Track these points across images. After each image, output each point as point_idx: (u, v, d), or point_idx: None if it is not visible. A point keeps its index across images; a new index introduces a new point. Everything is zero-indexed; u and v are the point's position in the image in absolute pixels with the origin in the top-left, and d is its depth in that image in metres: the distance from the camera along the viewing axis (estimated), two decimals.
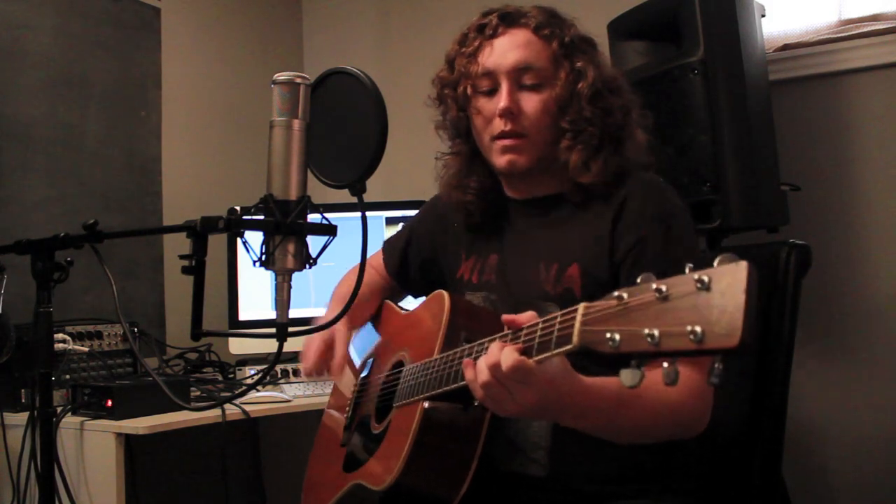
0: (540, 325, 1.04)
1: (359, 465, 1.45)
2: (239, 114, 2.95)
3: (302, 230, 1.09)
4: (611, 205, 1.38)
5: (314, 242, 1.11)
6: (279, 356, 1.10)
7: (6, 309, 1.87)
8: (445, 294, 1.42)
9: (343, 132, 1.18)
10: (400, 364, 1.47)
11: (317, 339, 1.57)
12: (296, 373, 2.31)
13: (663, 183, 1.43)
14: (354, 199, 1.16)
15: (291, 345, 1.18)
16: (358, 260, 1.17)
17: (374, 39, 3.10)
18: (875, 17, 2.15)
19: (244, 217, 1.09)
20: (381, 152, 1.13)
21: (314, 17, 3.26)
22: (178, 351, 2.48)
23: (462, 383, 1.17)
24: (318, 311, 1.71)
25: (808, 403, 2.16)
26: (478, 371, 1.10)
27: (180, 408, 1.65)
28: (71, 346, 2.04)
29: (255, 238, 1.11)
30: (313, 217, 1.12)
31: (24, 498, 1.89)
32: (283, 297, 1.09)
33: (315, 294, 2.37)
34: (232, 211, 1.10)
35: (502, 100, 1.41)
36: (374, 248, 1.79)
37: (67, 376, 2.02)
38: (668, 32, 2.02)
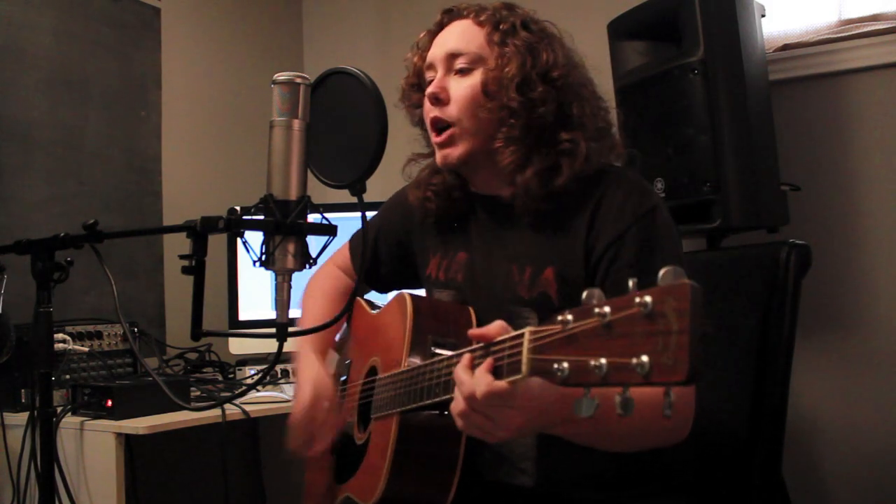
0: (507, 344, 0.99)
1: (347, 477, 1.45)
2: (239, 114, 2.95)
3: (302, 230, 1.09)
4: (586, 205, 1.33)
5: (314, 242, 1.11)
6: (279, 356, 1.10)
7: (6, 309, 1.87)
8: (407, 296, 1.40)
9: (343, 132, 1.18)
10: (374, 370, 1.46)
11: (302, 417, 1.47)
12: (296, 373, 2.30)
13: (641, 180, 1.39)
14: (354, 199, 1.16)
15: (291, 345, 1.18)
16: None
17: (374, 39, 3.10)
18: (875, 17, 2.15)
19: (244, 217, 1.09)
20: (381, 152, 1.13)
21: (314, 17, 3.26)
22: (178, 351, 2.48)
23: (436, 400, 1.16)
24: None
25: (808, 403, 2.15)
26: (454, 402, 1.06)
27: (180, 408, 1.65)
28: (71, 346, 2.04)
29: (255, 238, 1.11)
30: (313, 217, 1.11)
31: (24, 498, 1.89)
32: (283, 297, 1.09)
33: None
34: (232, 211, 1.10)
35: (431, 86, 1.40)
36: None
37: (67, 376, 2.02)
38: (668, 32, 2.02)
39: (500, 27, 1.38)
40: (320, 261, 1.14)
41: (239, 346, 2.49)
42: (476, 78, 1.37)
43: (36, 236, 1.26)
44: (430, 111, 1.41)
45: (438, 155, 1.41)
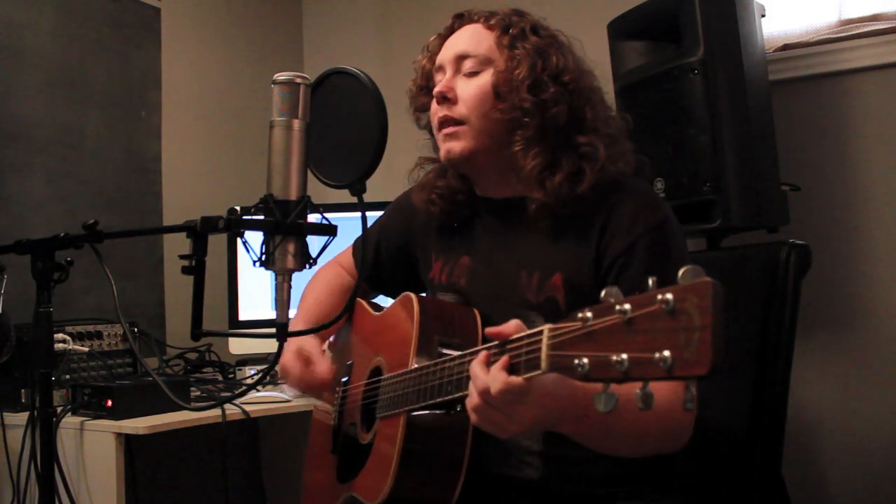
0: (525, 341, 1.00)
1: (351, 477, 1.44)
2: (239, 114, 2.95)
3: (302, 230, 1.09)
4: (598, 213, 1.33)
5: (314, 242, 1.11)
6: (279, 356, 1.11)
7: (6, 309, 1.87)
8: (414, 297, 1.40)
9: (343, 132, 1.18)
10: (378, 371, 1.46)
11: (290, 357, 1.53)
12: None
13: (652, 191, 1.40)
14: (354, 199, 1.16)
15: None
16: None
17: (374, 39, 3.10)
18: (875, 17, 2.15)
19: (244, 217, 1.09)
20: (381, 152, 1.13)
21: (314, 17, 3.26)
22: (178, 351, 2.48)
23: (448, 398, 1.17)
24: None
25: (808, 403, 2.16)
26: (469, 396, 1.07)
27: (180, 408, 1.65)
28: (71, 346, 2.04)
29: (255, 238, 1.11)
30: (313, 217, 1.12)
31: (24, 498, 1.88)
32: (283, 297, 1.09)
33: None
34: (232, 211, 1.10)
35: (439, 86, 1.41)
36: None
37: (67, 376, 2.02)
38: (668, 32, 2.02)
39: (510, 31, 1.40)
40: (320, 261, 1.14)
41: (239, 346, 2.49)
42: (485, 79, 1.38)
43: (36, 236, 1.26)
44: (437, 111, 1.41)
45: (442, 149, 1.42)
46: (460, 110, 1.39)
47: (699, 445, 1.27)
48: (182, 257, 1.11)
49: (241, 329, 2.51)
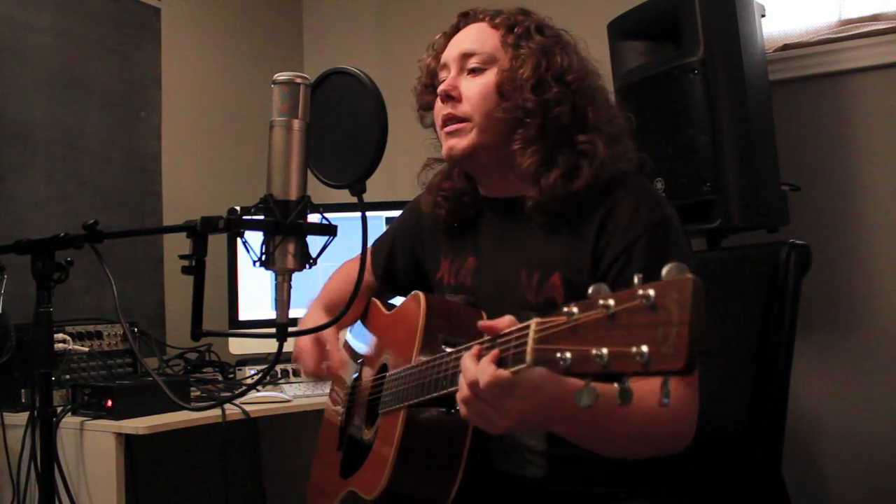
0: (514, 335, 1.01)
1: (352, 472, 1.45)
2: (239, 114, 2.95)
3: (302, 230, 1.09)
4: (597, 212, 1.33)
5: (314, 242, 1.11)
6: (279, 356, 1.10)
7: (6, 309, 1.87)
8: (422, 295, 1.41)
9: (343, 132, 1.18)
10: (385, 368, 1.47)
11: (307, 342, 1.56)
12: (296, 373, 2.31)
13: (653, 189, 1.40)
14: (354, 199, 1.16)
15: (291, 345, 1.18)
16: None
17: (374, 39, 3.10)
18: (875, 17, 2.15)
19: (244, 217, 1.09)
20: (381, 152, 1.13)
21: (314, 17, 3.26)
22: (178, 351, 2.48)
23: (443, 392, 1.17)
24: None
25: (808, 403, 2.16)
26: (459, 388, 1.08)
27: (180, 408, 1.65)
28: (71, 346, 2.04)
29: (255, 238, 1.11)
30: (313, 217, 1.11)
31: (24, 498, 1.89)
32: (283, 297, 1.09)
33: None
34: (232, 211, 1.10)
35: (443, 84, 1.41)
36: None
37: (67, 376, 2.02)
38: (668, 32, 2.02)
39: (515, 30, 1.40)
40: (320, 261, 1.13)
41: (239, 346, 2.49)
42: (489, 77, 1.39)
43: (36, 236, 1.26)
44: (441, 109, 1.42)
45: (445, 146, 1.42)
46: (464, 108, 1.39)
47: (699, 445, 1.27)
48: (182, 257, 1.11)
49: (241, 329, 2.51)
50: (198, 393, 2.17)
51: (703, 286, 0.72)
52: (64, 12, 2.43)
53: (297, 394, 2.15)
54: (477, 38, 1.42)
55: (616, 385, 0.80)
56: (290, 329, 1.11)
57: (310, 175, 1.12)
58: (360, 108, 1.15)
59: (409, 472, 1.28)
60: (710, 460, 1.47)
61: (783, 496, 1.53)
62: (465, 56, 1.41)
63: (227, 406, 1.93)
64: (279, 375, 2.31)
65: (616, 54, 2.15)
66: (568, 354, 0.84)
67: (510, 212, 1.44)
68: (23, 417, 1.90)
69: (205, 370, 2.47)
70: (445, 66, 1.44)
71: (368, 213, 1.18)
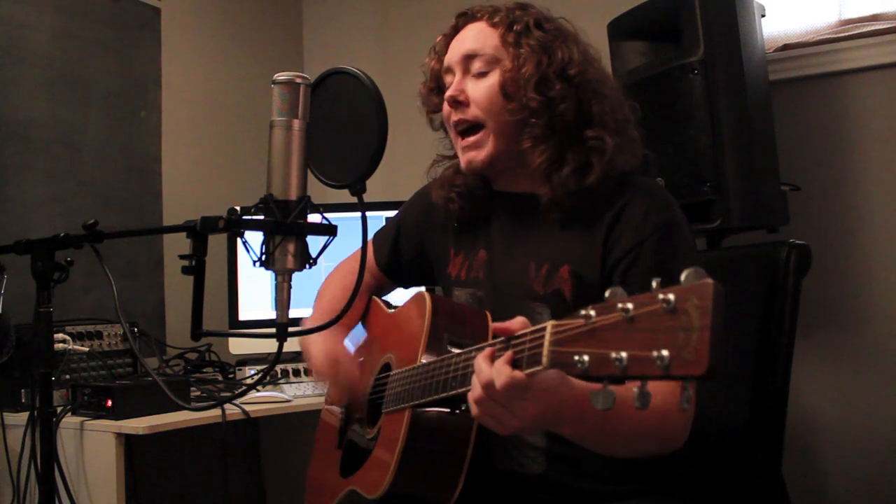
0: (528, 337, 1.01)
1: (353, 471, 1.45)
2: (239, 114, 2.95)
3: (302, 230, 1.09)
4: (609, 210, 1.35)
5: (314, 242, 1.11)
6: (279, 356, 1.10)
7: (6, 309, 1.87)
8: (427, 295, 1.41)
9: (343, 132, 1.18)
10: (387, 367, 1.46)
11: (322, 362, 1.53)
12: (296, 373, 2.31)
13: (663, 190, 1.41)
14: (354, 199, 1.16)
15: (291, 345, 1.18)
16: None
17: (374, 39, 3.10)
18: (875, 17, 2.15)
19: (244, 217, 1.09)
20: (381, 152, 1.13)
21: (314, 17, 3.26)
22: (178, 351, 2.48)
23: (452, 393, 1.17)
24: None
25: (808, 403, 2.16)
26: (472, 389, 1.08)
27: (180, 408, 1.65)
28: (71, 346, 2.04)
29: (255, 238, 1.11)
30: (313, 217, 1.11)
31: (24, 498, 1.89)
32: (283, 297, 1.09)
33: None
34: (232, 211, 1.09)
35: (450, 89, 1.41)
36: None
37: (67, 376, 2.03)
38: (668, 32, 2.02)
39: (514, 28, 1.39)
40: (320, 261, 1.13)
41: (239, 346, 2.49)
42: (493, 79, 1.39)
43: (36, 236, 1.26)
44: (451, 115, 1.42)
45: (463, 158, 1.43)
46: (473, 112, 1.40)
47: (699, 446, 1.27)
48: (182, 257, 1.11)
49: (241, 329, 2.50)
50: (198, 393, 2.17)
51: (723, 291, 0.72)
52: (64, 12, 2.43)
53: (297, 394, 2.15)
54: (477, 38, 1.42)
55: (635, 389, 0.80)
56: (290, 329, 1.11)
57: (310, 175, 1.12)
58: (361, 108, 1.15)
59: (412, 472, 1.28)
60: (711, 460, 1.47)
61: (783, 496, 1.53)
62: (469, 58, 1.41)
63: (227, 406, 1.93)
64: (279, 375, 2.31)
65: (616, 54, 2.15)
66: (586, 357, 0.84)
67: (522, 207, 1.45)
68: (23, 417, 1.90)
69: (205, 370, 2.47)
70: (449, 70, 1.44)
71: (368, 213, 1.18)
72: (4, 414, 1.96)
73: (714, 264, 1.74)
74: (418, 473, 1.28)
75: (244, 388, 2.10)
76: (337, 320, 1.21)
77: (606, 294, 0.84)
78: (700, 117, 1.91)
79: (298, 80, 1.10)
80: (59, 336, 2.01)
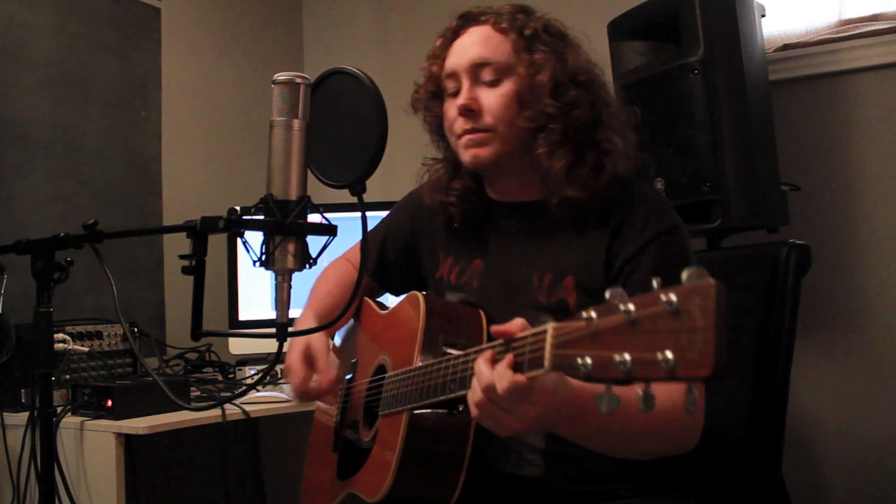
0: (529, 340, 1.00)
1: (351, 474, 1.45)
2: (239, 114, 2.95)
3: (302, 230, 1.09)
4: (612, 218, 1.35)
5: (314, 242, 1.11)
6: (279, 356, 1.10)
7: (6, 309, 1.87)
8: (420, 296, 1.40)
9: (343, 132, 1.18)
10: (382, 369, 1.46)
11: (295, 359, 1.51)
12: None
13: (663, 198, 1.42)
14: (354, 199, 1.16)
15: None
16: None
17: (374, 39, 3.10)
18: (875, 17, 2.15)
19: (244, 217, 1.09)
20: (381, 152, 1.13)
21: (314, 17, 3.26)
22: (178, 351, 2.48)
23: (451, 396, 1.17)
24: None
25: (808, 403, 2.16)
26: (472, 392, 1.07)
27: (180, 408, 1.65)
28: (71, 346, 2.04)
29: (255, 238, 1.11)
30: (313, 217, 1.11)
31: (24, 498, 1.89)
32: (282, 297, 1.09)
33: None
34: (232, 211, 1.09)
35: (461, 98, 1.39)
36: None
37: (67, 376, 2.02)
38: (668, 32, 2.02)
39: (525, 33, 1.38)
40: (320, 261, 1.14)
41: (239, 346, 2.49)
42: (507, 87, 1.37)
43: (36, 236, 1.26)
44: (462, 123, 1.39)
45: (467, 154, 1.40)
46: (486, 121, 1.37)
47: (699, 445, 1.27)
48: (182, 257, 1.11)
49: (241, 329, 2.51)
50: (198, 393, 2.17)
51: (725, 291, 0.72)
52: (64, 12, 2.43)
53: (296, 397, 2.15)
54: (487, 45, 1.39)
55: (639, 391, 0.79)
56: (290, 329, 1.11)
57: (310, 175, 1.12)
58: (361, 108, 1.15)
59: (412, 474, 1.28)
60: (711, 460, 1.47)
61: (783, 496, 1.53)
62: (479, 66, 1.38)
63: (227, 406, 1.93)
64: (279, 375, 2.30)
65: (616, 54, 2.15)
66: (589, 360, 0.83)
67: (528, 216, 1.44)
68: (23, 417, 1.90)
69: (205, 370, 2.47)
70: (454, 76, 1.41)
71: (368, 213, 1.18)
72: (4, 414, 1.96)
73: (714, 264, 1.74)
74: (418, 475, 1.28)
75: (244, 388, 2.10)
76: (337, 320, 1.22)
77: (607, 294, 0.83)
78: (700, 117, 1.90)
79: (298, 80, 1.10)
80: (59, 336, 2.01)
